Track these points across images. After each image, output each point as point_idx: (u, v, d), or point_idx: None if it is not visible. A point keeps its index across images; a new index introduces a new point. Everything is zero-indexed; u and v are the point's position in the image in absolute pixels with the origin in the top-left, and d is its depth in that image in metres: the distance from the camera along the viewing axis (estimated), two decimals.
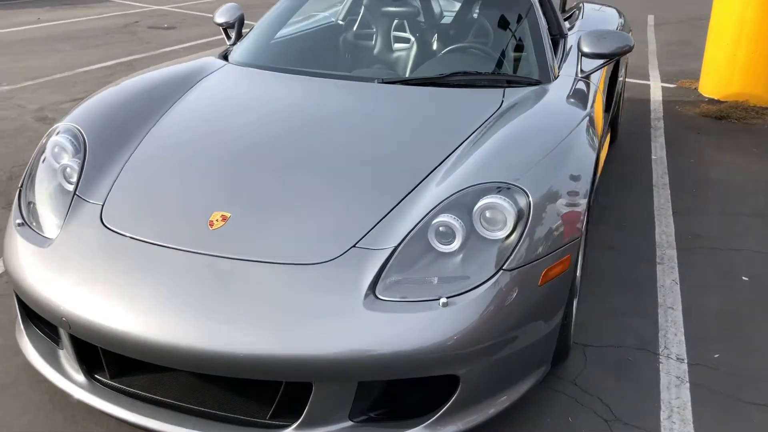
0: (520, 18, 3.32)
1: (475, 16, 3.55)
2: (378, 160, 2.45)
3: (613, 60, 3.22)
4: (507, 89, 2.92)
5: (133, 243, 2.16)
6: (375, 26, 3.50)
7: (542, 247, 2.11)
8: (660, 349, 2.70)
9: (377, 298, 1.96)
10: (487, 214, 2.09)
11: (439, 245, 2.06)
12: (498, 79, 3.04)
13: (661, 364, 2.61)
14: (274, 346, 1.87)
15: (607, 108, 4.07)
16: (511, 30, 3.35)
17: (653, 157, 4.95)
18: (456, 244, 2.06)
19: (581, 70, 3.17)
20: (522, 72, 3.14)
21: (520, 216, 2.11)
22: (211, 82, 3.06)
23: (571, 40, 3.87)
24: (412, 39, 3.46)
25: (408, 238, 2.08)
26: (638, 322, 2.89)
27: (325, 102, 2.87)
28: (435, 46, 3.37)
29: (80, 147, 2.54)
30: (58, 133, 2.62)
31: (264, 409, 2.00)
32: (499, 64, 3.21)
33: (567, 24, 4.24)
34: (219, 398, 2.05)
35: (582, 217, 2.29)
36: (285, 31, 3.50)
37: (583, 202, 2.30)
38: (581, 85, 3.06)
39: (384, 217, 2.17)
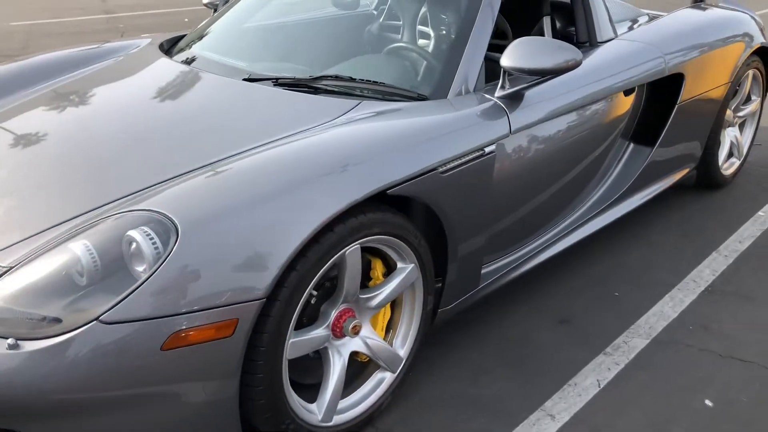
0: (457, 20, 2.67)
1: (409, 13, 2.94)
2: (124, 162, 2.14)
3: (547, 78, 2.44)
4: (366, 101, 2.36)
5: None
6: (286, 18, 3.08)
7: (178, 301, 1.65)
8: None
9: None
10: (132, 246, 1.69)
11: (75, 274, 1.71)
12: (367, 87, 2.47)
13: None
14: None
15: (647, 139, 3.24)
16: (438, 32, 2.71)
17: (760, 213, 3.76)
18: (85, 278, 1.69)
19: (503, 87, 2.44)
20: (406, 83, 2.52)
21: (159, 256, 1.66)
22: (107, 64, 2.95)
23: (612, 48, 3.07)
24: (322, 33, 2.96)
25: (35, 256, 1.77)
26: None
27: (171, 95, 2.58)
28: (341, 45, 2.85)
29: None
30: None
31: None
32: (390, 70, 2.61)
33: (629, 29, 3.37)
34: None
35: (269, 280, 1.73)
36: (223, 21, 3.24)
37: (275, 266, 1.74)
38: (482, 109, 2.36)
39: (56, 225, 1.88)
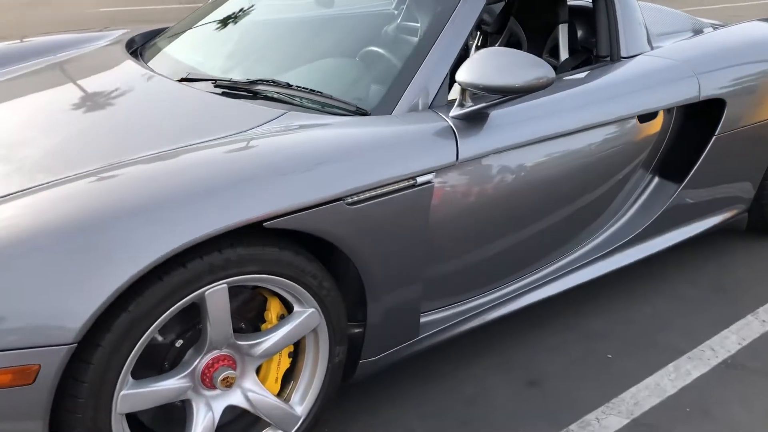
0: (423, 26, 2.29)
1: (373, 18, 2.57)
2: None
3: (514, 97, 2.03)
4: (294, 111, 2.03)
5: None
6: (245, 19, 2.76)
7: None
8: None
9: None
10: None
11: None
12: (304, 96, 2.13)
13: None
14: None
15: (675, 173, 2.76)
16: (399, 39, 2.33)
17: None
18: None
19: (461, 105, 2.06)
20: (349, 94, 2.16)
21: None
22: (73, 55, 2.77)
23: (633, 66, 2.62)
24: (284, 35, 2.63)
25: None
26: None
27: (103, 92, 2.34)
28: (296, 49, 2.50)
29: None
30: None
31: None
32: (336, 79, 2.26)
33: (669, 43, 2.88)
34: None
35: (80, 322, 1.43)
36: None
37: (91, 305, 1.44)
38: (425, 130, 1.98)
39: None
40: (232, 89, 2.21)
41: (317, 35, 2.42)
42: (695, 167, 2.77)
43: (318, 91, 2.13)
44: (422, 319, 2.14)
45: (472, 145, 2.03)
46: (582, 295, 2.84)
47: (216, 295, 1.64)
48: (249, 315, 1.86)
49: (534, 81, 1.96)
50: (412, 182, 1.89)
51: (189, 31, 2.76)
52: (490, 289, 2.34)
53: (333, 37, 2.37)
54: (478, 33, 3.38)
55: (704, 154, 2.77)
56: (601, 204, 2.60)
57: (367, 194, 1.81)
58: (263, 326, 1.85)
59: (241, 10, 2.70)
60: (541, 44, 2.94)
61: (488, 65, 1.97)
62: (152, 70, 2.39)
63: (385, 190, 1.84)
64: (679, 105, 2.65)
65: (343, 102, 2.09)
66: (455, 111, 2.05)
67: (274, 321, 1.84)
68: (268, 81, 2.19)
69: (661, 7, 3.61)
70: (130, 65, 2.49)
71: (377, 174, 1.83)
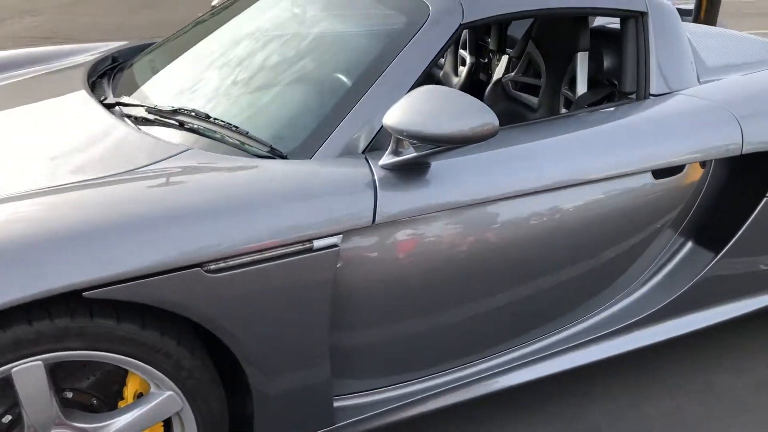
0: (370, 56, 1.92)
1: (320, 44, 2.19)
2: None
3: (450, 148, 1.63)
4: (197, 149, 1.73)
5: None
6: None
7: None
8: None
9: None
10: None
11: None
12: (221, 131, 1.82)
13: None
14: None
15: (711, 240, 2.29)
16: (342, 70, 1.96)
17: None
18: None
19: (394, 153, 1.68)
20: (270, 132, 1.82)
21: None
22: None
23: (659, 108, 2.17)
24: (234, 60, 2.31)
25: None
26: None
27: (29, 113, 2.14)
28: (239, 74, 2.17)
29: None
30: None
31: None
32: (262, 113, 1.91)
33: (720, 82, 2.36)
34: None
35: None
36: None
37: None
38: (338, 182, 1.63)
39: None
40: (158, 117, 1.94)
41: (260, 61, 2.10)
42: (739, 232, 2.23)
43: (234, 126, 1.82)
44: (337, 404, 1.79)
45: (400, 203, 1.65)
46: (584, 378, 2.37)
47: (27, 374, 1.37)
48: (112, 388, 1.58)
49: (469, 131, 1.57)
50: (306, 246, 1.54)
51: (158, 51, 2.52)
52: (439, 372, 1.95)
53: (272, 63, 2.05)
54: (474, 58, 2.97)
55: (752, 217, 2.22)
56: (601, 276, 2.13)
57: (239, 260, 1.48)
58: (120, 403, 1.57)
59: (205, 33, 2.42)
60: (560, 73, 2.49)
61: (419, 108, 1.59)
62: (90, 93, 2.17)
63: (266, 255, 1.51)
64: (713, 158, 2.13)
65: (257, 141, 1.77)
66: (386, 159, 1.68)
67: (130, 399, 1.56)
68: (188, 111, 1.91)
69: (745, 35, 3.02)
70: (73, 86, 2.27)
71: (258, 235, 1.49)
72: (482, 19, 1.97)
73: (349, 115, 1.75)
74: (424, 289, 1.77)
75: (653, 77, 2.24)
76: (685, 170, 2.12)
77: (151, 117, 1.94)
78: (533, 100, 2.61)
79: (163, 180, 1.57)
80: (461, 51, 3.21)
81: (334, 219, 1.57)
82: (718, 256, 2.24)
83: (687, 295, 2.25)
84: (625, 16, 2.26)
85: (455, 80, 3.06)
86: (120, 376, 1.57)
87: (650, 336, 2.24)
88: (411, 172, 1.69)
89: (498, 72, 2.89)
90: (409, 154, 1.65)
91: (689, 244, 2.30)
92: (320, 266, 1.57)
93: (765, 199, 2.21)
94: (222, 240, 1.46)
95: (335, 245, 1.57)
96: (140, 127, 1.91)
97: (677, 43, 2.32)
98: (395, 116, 1.61)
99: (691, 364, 2.49)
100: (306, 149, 1.73)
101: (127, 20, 8.62)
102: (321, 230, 1.55)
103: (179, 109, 1.92)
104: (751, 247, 2.28)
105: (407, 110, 1.60)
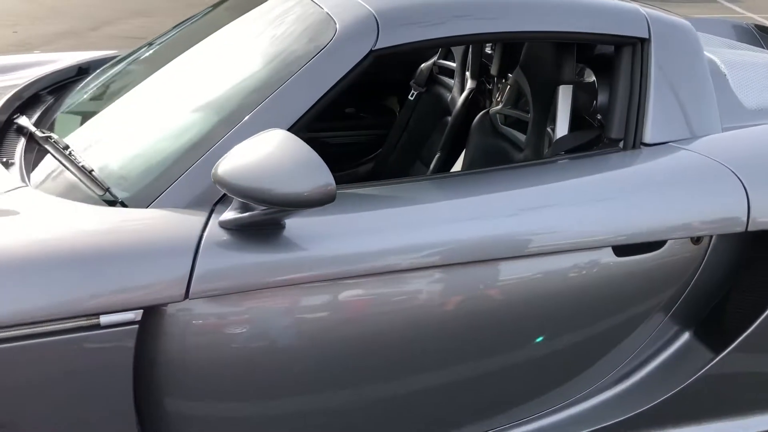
0: (257, 86, 1.59)
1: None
2: None
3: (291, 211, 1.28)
4: (30, 189, 1.48)
5: None
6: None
7: None
8: None
9: None
10: None
11: None
12: (76, 168, 1.55)
13: None
14: None
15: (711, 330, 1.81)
16: (218, 100, 1.63)
17: None
18: None
19: (237, 209, 1.36)
20: (120, 175, 1.52)
21: None
22: None
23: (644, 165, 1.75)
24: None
25: None
26: None
27: None
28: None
29: None
30: None
31: None
32: (122, 153, 1.61)
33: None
34: None
35: None
36: None
37: None
38: (149, 243, 1.32)
39: None
40: (37, 142, 1.72)
41: (142, 93, 1.80)
42: (754, 325, 1.72)
43: (77, 162, 1.55)
44: None
45: (229, 274, 1.32)
46: None
47: None
48: None
49: (293, 195, 1.24)
50: (92, 322, 1.25)
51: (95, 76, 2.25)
52: None
53: (152, 95, 1.75)
54: (474, 83, 2.54)
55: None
56: (544, 370, 1.69)
57: (7, 333, 1.21)
58: None
59: (128, 65, 2.14)
60: (546, 108, 2.05)
61: (252, 160, 1.27)
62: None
63: (40, 330, 1.23)
64: (706, 234, 1.64)
65: (96, 182, 1.49)
66: (228, 215, 1.36)
67: None
68: (52, 139, 1.66)
69: None
70: None
71: (35, 304, 1.22)
72: (407, 44, 1.60)
73: (202, 159, 1.44)
74: (272, 372, 1.43)
75: (648, 122, 1.77)
76: (667, 246, 1.64)
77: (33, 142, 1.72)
78: (522, 137, 2.18)
79: None
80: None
81: (132, 290, 1.27)
82: (722, 354, 1.73)
83: (674, 401, 1.76)
84: (618, 43, 1.80)
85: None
86: None
87: None
88: (257, 233, 1.36)
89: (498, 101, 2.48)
90: (256, 209, 1.32)
91: (682, 336, 1.80)
92: (111, 347, 1.27)
93: None
94: None
95: (133, 322, 1.27)
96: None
97: (692, 77, 1.83)
98: (225, 167, 1.29)
99: None
100: (147, 196, 1.43)
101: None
102: (112, 303, 1.25)
103: (49, 136, 1.68)
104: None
105: (238, 161, 1.28)
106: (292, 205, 1.26)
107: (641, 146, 1.77)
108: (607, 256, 1.59)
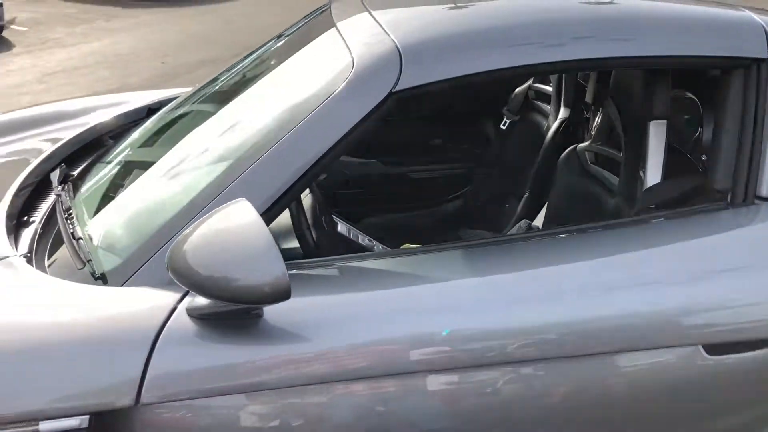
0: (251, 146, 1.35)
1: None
2: None
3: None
4: (16, 259, 1.35)
5: None
6: None
7: None
8: None
9: None
10: None
11: None
12: (74, 237, 1.40)
13: None
14: None
15: None
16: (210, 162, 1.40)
17: None
18: None
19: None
20: (109, 248, 1.33)
21: None
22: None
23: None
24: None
25: None
26: None
27: None
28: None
29: None
30: None
31: None
32: (118, 223, 1.42)
33: None
34: None
35: None
36: None
37: None
38: (120, 331, 1.13)
39: None
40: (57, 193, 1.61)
41: (155, 155, 1.63)
42: None
43: (68, 229, 1.40)
44: None
45: (191, 376, 1.11)
46: None
47: None
48: None
49: (244, 290, 1.00)
50: (29, 429, 1.08)
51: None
52: None
53: (163, 158, 1.57)
54: (567, 112, 2.16)
55: None
56: None
57: None
58: None
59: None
60: (639, 148, 1.66)
61: (206, 248, 1.05)
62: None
63: None
64: None
65: (77, 255, 1.33)
66: (197, 300, 1.15)
67: None
68: (60, 198, 1.54)
69: None
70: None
71: None
72: (432, 84, 1.32)
73: (182, 230, 1.24)
74: None
75: (766, 170, 1.35)
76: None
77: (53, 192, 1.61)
78: (614, 180, 1.80)
79: None
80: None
81: (78, 392, 1.08)
82: None
83: None
84: (727, 66, 1.40)
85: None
86: None
87: None
88: (231, 324, 1.14)
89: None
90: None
91: None
92: None
93: None
94: None
95: (78, 429, 1.09)
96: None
97: None
98: (176, 252, 1.08)
99: None
100: (124, 271, 1.25)
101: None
102: (53, 406, 1.08)
103: (59, 195, 1.57)
104: None
105: (192, 246, 1.07)
106: (242, 301, 1.02)
107: (754, 201, 1.36)
108: (696, 354, 1.21)
